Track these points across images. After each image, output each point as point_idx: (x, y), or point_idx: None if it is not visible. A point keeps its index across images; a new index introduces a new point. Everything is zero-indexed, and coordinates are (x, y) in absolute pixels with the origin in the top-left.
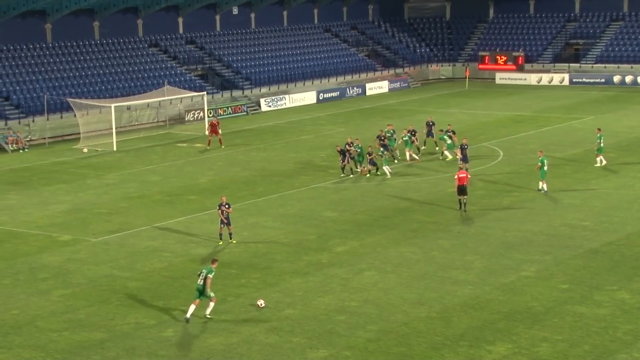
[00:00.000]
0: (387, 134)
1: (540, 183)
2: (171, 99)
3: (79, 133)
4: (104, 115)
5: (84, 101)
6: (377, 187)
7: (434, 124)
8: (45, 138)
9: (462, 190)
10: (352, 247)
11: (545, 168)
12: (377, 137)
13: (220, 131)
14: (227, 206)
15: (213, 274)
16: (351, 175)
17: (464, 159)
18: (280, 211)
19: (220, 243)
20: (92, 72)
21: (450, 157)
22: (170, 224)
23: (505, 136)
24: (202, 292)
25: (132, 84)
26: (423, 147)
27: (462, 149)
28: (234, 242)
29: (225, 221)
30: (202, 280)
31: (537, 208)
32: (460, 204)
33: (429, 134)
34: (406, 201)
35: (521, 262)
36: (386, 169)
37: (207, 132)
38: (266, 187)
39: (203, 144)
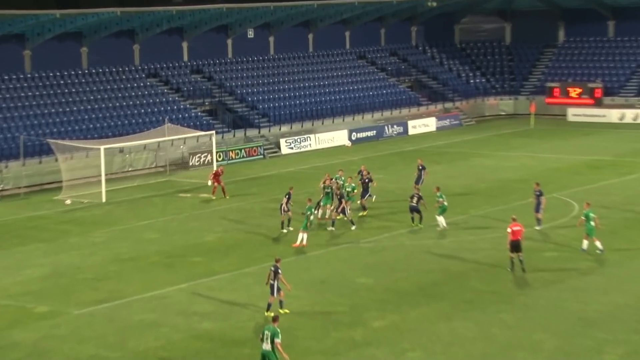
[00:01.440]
0: (338, 181)
1: (585, 242)
2: (173, 140)
3: (61, 181)
4: (92, 159)
5: (67, 142)
6: (422, 247)
7: (424, 168)
8: (20, 187)
9: (515, 246)
10: (392, 322)
11: (593, 223)
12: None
13: (222, 180)
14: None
15: (280, 336)
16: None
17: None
18: (304, 276)
19: (267, 314)
20: (78, 107)
21: (443, 225)
22: (171, 292)
23: (580, 185)
24: None
25: (127, 122)
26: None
27: (537, 195)
28: (286, 311)
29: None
30: (270, 346)
31: (622, 275)
32: (513, 263)
33: (418, 180)
34: (459, 264)
35: (604, 343)
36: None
37: (209, 182)
38: (287, 247)
39: (209, 194)
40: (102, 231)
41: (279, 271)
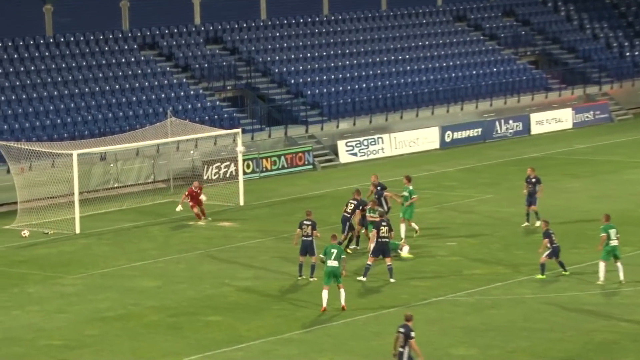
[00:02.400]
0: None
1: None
2: (179, 142)
3: (15, 202)
4: (60, 170)
5: (24, 145)
6: (554, 302)
7: (537, 181)
8: None
9: None
10: None
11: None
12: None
13: (203, 199)
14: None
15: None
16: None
17: None
18: (373, 344)
19: None
20: (39, 93)
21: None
22: None
23: None
24: None
25: (111, 115)
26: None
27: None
28: None
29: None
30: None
31: None
32: None
33: (532, 199)
34: (607, 326)
35: None
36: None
37: (178, 208)
38: (346, 300)
39: (233, 222)
40: (75, 276)
41: (412, 334)
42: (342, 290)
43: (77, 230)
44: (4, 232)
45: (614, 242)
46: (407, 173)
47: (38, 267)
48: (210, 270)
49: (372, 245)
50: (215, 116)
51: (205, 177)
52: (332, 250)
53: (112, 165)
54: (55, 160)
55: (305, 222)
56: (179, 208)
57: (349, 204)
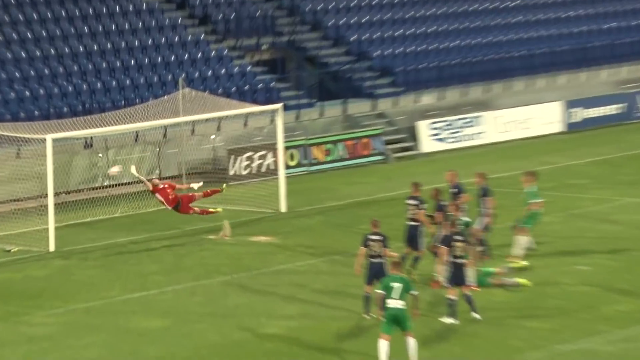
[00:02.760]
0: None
1: None
2: (194, 122)
3: None
4: (28, 162)
5: None
6: None
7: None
8: None
9: None
10: None
11: None
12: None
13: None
14: None
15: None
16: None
17: None
18: None
19: None
20: (2, 54)
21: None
22: None
23: None
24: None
25: (100, 85)
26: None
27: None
28: None
29: None
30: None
31: None
32: None
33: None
34: None
35: None
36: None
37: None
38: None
39: (272, 236)
40: (49, 312)
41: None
42: (411, 341)
43: (52, 247)
44: None
45: None
46: (517, 165)
47: None
48: (239, 304)
49: (441, 268)
50: (246, 86)
51: (231, 172)
52: (394, 283)
53: (101, 155)
54: (22, 148)
55: (372, 237)
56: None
57: (409, 207)
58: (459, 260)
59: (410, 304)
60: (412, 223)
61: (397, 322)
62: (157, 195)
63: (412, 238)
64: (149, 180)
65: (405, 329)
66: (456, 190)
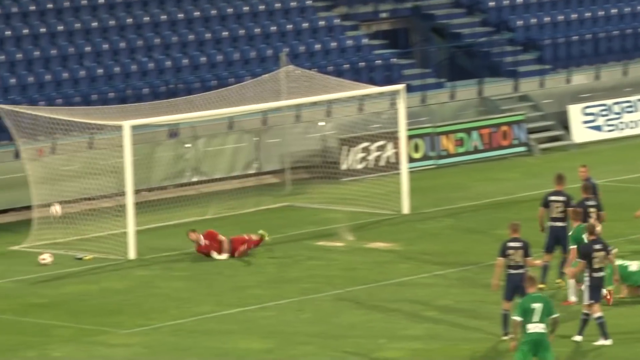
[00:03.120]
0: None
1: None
2: (300, 107)
3: (29, 208)
4: (102, 154)
5: (43, 111)
6: None
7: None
8: None
9: None
10: None
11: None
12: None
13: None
14: None
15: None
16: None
17: None
18: None
19: None
20: (68, 23)
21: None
22: None
23: None
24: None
25: (187, 61)
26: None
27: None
28: None
29: None
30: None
31: None
32: None
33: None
34: None
35: None
36: None
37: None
38: None
39: (392, 243)
40: (129, 331)
41: None
42: None
43: (132, 255)
44: (12, 257)
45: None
46: None
47: (68, 316)
48: (354, 323)
49: (571, 282)
50: (361, 63)
51: (344, 166)
52: (534, 304)
53: (188, 146)
54: (95, 137)
55: (511, 244)
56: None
57: (554, 204)
58: (598, 275)
59: (549, 328)
60: (558, 224)
61: (536, 350)
62: (213, 254)
63: (556, 241)
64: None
65: (546, 358)
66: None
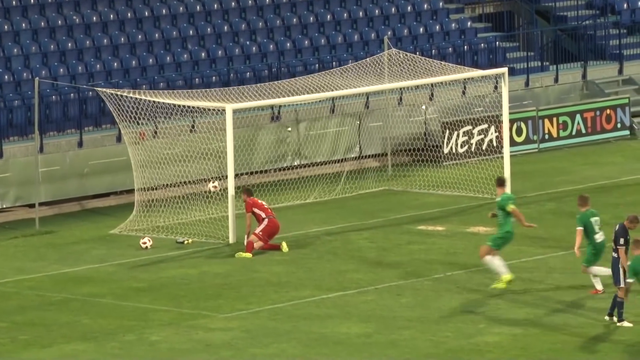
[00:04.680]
0: None
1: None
2: (402, 90)
3: (131, 191)
4: (203, 138)
5: (146, 95)
6: None
7: None
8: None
9: None
10: None
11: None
12: None
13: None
14: None
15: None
16: None
17: None
18: None
19: None
20: (180, 7)
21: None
22: None
23: None
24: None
25: (289, 44)
26: None
27: None
28: None
29: None
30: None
31: None
32: None
33: None
34: None
35: None
36: None
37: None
38: None
39: (493, 227)
40: (229, 315)
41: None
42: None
43: (232, 239)
44: (112, 241)
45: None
46: None
47: (167, 300)
48: (454, 307)
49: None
50: (465, 46)
51: (446, 150)
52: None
53: (290, 130)
54: (197, 120)
55: (621, 235)
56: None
57: None
58: None
59: None
60: None
61: None
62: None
63: None
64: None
65: None
66: None
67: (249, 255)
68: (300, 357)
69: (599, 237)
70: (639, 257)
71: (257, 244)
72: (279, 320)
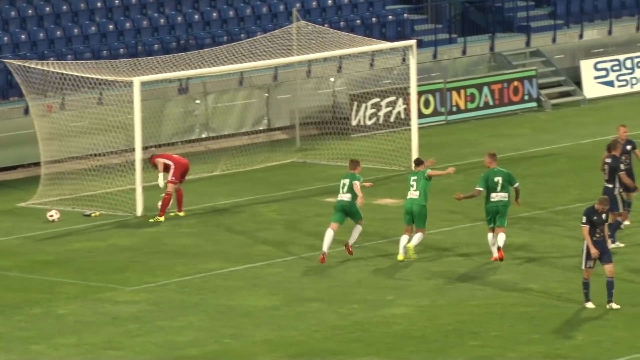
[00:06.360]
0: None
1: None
2: (310, 62)
3: (37, 164)
4: (111, 110)
5: (53, 67)
6: None
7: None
8: None
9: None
10: None
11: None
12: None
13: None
14: None
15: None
16: None
17: None
18: None
19: None
20: None
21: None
22: None
23: None
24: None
25: (198, 16)
26: None
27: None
28: None
29: None
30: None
31: None
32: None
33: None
34: None
35: None
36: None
37: (161, 182)
38: None
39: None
40: (136, 288)
41: None
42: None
43: (140, 211)
44: (19, 214)
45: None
46: None
47: (74, 272)
48: (361, 279)
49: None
50: (373, 18)
51: (354, 122)
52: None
53: (198, 102)
54: (104, 92)
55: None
56: (162, 183)
57: (604, 165)
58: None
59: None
60: (608, 186)
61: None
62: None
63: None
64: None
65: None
66: (630, 146)
67: (161, 219)
68: (207, 329)
69: (496, 196)
70: (493, 170)
71: (172, 187)
72: (187, 293)
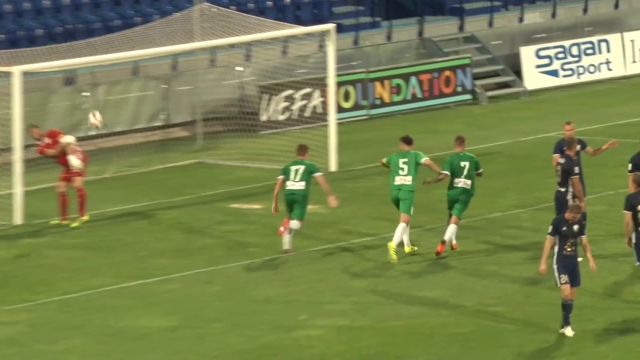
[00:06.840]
0: None
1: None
2: (215, 49)
3: None
4: None
5: None
6: None
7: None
8: None
9: None
10: None
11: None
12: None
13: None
14: None
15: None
16: None
17: None
18: None
19: None
20: None
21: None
22: None
23: None
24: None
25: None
26: None
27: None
28: None
29: None
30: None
31: None
32: None
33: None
34: None
35: None
36: None
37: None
38: None
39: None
40: (15, 307)
41: None
42: None
43: (18, 220)
44: None
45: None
46: None
47: None
48: (270, 296)
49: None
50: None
51: (263, 118)
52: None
53: (86, 94)
54: None
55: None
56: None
57: (557, 167)
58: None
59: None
60: (560, 190)
61: None
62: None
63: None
64: None
65: None
66: (579, 146)
67: (85, 218)
68: (93, 354)
69: (459, 182)
70: (459, 154)
71: (81, 181)
72: (70, 312)
